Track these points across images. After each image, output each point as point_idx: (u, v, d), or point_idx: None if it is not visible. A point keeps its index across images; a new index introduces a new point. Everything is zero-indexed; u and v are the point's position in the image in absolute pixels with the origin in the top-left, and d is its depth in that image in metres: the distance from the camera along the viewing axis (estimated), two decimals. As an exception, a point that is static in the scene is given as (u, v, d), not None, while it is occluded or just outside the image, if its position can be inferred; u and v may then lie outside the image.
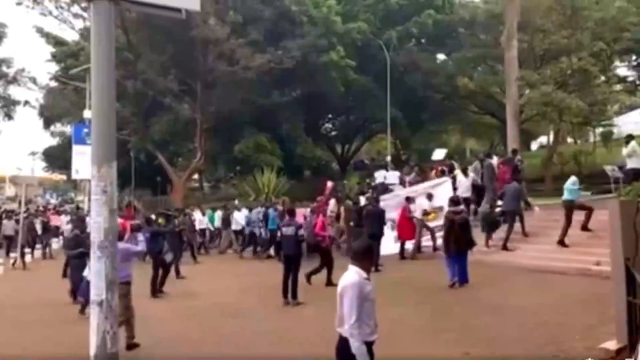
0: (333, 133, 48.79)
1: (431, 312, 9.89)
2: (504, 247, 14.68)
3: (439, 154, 25.70)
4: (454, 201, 12.83)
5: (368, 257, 4.82)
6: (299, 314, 10.78)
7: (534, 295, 10.75)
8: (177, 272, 16.00)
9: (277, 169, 31.96)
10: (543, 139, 44.57)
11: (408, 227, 16.99)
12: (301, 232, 11.70)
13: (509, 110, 26.43)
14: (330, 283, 12.36)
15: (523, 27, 27.29)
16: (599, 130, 35.93)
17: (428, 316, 9.53)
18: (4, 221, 24.46)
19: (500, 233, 15.20)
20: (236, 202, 24.30)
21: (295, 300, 11.47)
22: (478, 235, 14.17)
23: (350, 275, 4.57)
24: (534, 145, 49.33)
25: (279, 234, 12.43)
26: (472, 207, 17.37)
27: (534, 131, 39.85)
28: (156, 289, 13.22)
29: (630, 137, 15.87)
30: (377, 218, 15.85)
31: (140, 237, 10.61)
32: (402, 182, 22.08)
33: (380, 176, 24.31)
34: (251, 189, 30.46)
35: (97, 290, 3.34)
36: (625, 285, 5.99)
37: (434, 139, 47.71)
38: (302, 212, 18.34)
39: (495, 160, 18.81)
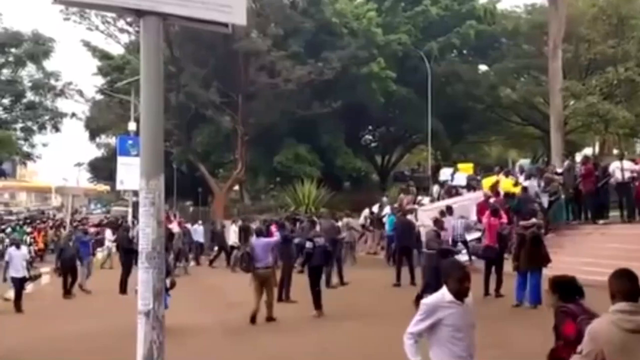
0: (373, 144, 48.70)
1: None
2: None
3: None
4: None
5: (453, 277, 4.39)
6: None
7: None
8: (327, 281, 15.00)
9: (316, 180, 32.01)
10: (588, 151, 43.66)
11: None
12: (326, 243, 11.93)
13: (553, 121, 26.02)
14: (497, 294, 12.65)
15: (567, 37, 26.90)
16: (647, 141, 35.05)
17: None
18: (195, 226, 25.99)
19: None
20: (384, 198, 24.30)
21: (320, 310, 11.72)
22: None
23: (435, 294, 4.46)
24: (579, 157, 48.29)
25: (308, 245, 12.17)
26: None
27: (578, 142, 39.03)
28: (288, 294, 13.17)
29: None
30: (408, 230, 15.77)
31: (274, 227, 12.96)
32: (470, 186, 21.43)
33: (445, 174, 24.08)
34: (291, 200, 30.57)
35: (145, 300, 3.38)
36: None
37: (474, 150, 47.18)
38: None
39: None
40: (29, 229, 30.34)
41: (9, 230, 33.08)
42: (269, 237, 12.49)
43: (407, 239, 15.64)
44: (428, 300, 4.40)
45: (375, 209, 23.74)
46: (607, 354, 3.44)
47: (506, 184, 19.23)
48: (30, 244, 26.27)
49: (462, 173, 23.87)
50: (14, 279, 13.90)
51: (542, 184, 17.69)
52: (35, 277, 14.95)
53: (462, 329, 4.29)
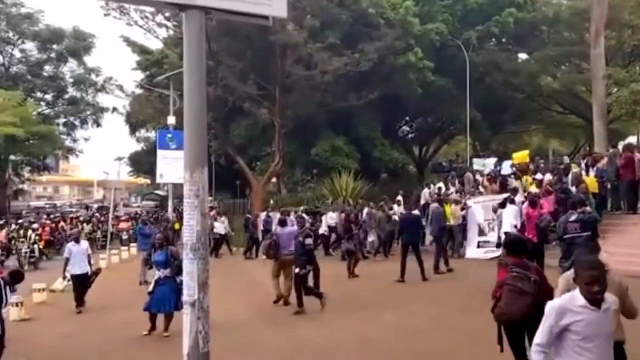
0: (410, 135, 48.41)
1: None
2: None
3: None
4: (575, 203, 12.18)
5: (580, 278, 3.74)
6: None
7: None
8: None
9: (353, 172, 31.95)
10: (632, 139, 42.64)
11: None
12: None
13: (595, 109, 25.48)
14: None
15: (610, 23, 26.29)
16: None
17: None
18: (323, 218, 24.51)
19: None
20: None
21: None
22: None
23: (564, 295, 3.88)
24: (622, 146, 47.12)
25: (308, 241, 12.06)
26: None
27: (622, 131, 38.15)
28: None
29: None
30: (414, 225, 15.62)
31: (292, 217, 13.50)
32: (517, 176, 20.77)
33: (488, 165, 23.72)
34: (329, 192, 30.58)
35: (190, 290, 3.44)
36: None
37: (514, 140, 46.55)
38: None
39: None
40: (35, 225, 28.03)
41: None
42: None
43: (413, 234, 15.35)
44: (554, 302, 3.82)
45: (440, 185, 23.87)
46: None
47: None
48: (34, 242, 25.01)
49: (508, 162, 23.44)
50: (74, 277, 12.91)
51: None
52: (96, 274, 13.44)
53: (593, 338, 3.67)
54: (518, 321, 5.49)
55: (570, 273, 4.41)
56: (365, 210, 21.93)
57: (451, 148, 51.51)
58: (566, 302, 3.73)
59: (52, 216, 37.59)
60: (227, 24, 28.36)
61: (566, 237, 10.54)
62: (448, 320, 10.09)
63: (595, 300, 3.65)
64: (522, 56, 41.29)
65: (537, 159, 24.09)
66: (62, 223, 33.42)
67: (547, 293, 5.26)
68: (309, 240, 11.55)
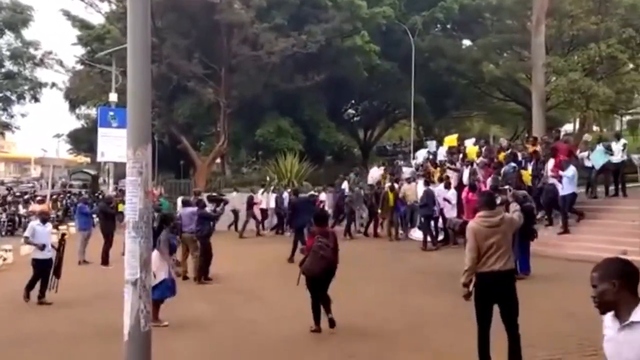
0: (356, 118, 48.70)
1: (455, 301, 9.85)
2: None
3: None
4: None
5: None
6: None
7: (560, 284, 10.69)
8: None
9: (298, 154, 31.99)
10: (569, 127, 44.06)
11: None
12: None
13: (534, 97, 26.11)
14: None
15: (551, 13, 26.89)
16: (626, 118, 35.38)
17: (452, 305, 9.48)
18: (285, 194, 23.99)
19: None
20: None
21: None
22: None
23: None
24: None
25: None
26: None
27: (559, 118, 39.30)
28: (201, 276, 12.76)
29: None
30: (307, 209, 16.09)
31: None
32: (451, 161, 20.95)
33: (421, 155, 24.06)
34: (274, 173, 30.53)
35: (132, 269, 3.41)
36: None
37: (457, 125, 47.42)
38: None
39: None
40: None
41: None
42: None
43: (306, 218, 15.79)
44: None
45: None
46: (477, 239, 5.94)
47: (471, 150, 19.67)
48: None
49: (444, 146, 23.90)
50: (37, 261, 11.16)
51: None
52: (60, 248, 11.50)
53: None
54: (317, 277, 8.00)
55: (472, 222, 6.21)
56: (356, 189, 22.17)
57: (395, 132, 52.16)
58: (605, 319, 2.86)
59: None
60: (173, 0, 27.80)
61: None
62: (390, 301, 10.27)
63: (601, 311, 2.83)
64: (466, 43, 41.95)
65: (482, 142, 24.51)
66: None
67: (336, 253, 8.12)
68: None
